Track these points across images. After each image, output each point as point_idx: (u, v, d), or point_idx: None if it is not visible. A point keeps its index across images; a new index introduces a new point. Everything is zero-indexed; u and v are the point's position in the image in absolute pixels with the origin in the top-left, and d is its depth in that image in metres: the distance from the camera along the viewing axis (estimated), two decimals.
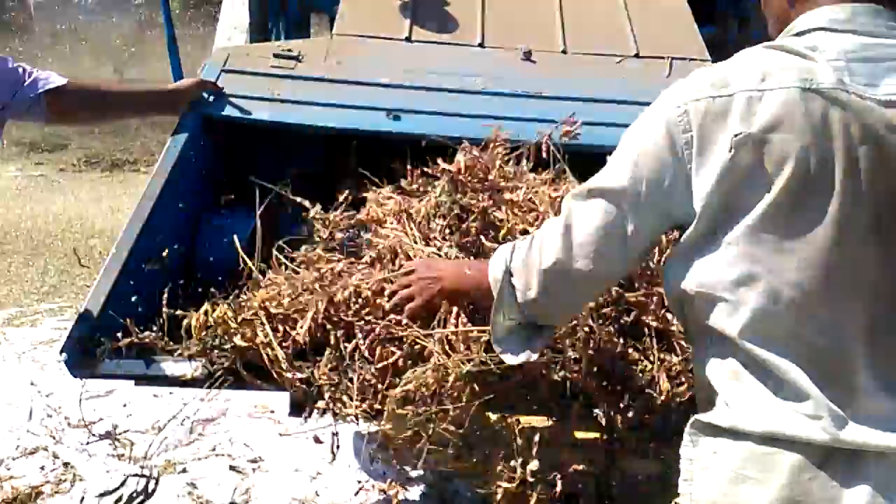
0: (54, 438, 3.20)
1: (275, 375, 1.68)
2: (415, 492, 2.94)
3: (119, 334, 1.69)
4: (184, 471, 3.02)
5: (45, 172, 8.43)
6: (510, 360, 1.45)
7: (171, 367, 1.69)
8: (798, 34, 1.21)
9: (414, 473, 3.05)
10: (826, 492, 1.10)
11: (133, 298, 1.83)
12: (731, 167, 1.13)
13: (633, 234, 1.26)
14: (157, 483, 2.87)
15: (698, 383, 1.29)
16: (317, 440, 2.79)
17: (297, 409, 2.49)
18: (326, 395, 1.67)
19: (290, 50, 2.48)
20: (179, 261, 2.12)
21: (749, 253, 1.14)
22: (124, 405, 3.47)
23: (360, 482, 2.99)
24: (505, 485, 1.69)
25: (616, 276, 1.49)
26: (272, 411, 3.46)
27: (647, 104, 2.39)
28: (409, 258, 1.79)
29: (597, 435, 1.98)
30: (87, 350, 1.68)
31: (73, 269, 5.45)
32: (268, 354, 1.66)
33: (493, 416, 1.77)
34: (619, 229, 1.26)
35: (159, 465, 3.04)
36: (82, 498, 2.81)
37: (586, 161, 2.51)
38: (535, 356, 1.45)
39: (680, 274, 1.23)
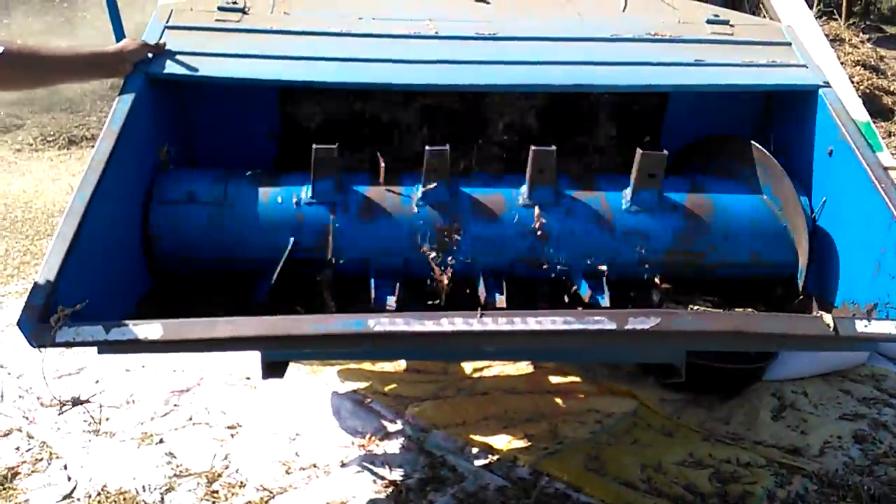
0: (28, 419, 3.15)
1: None
2: (395, 445, 2.95)
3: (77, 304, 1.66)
4: (161, 441, 2.99)
5: (2, 154, 8.22)
6: None
7: (131, 330, 1.64)
8: None
9: (392, 427, 3.07)
10: None
11: (89, 265, 1.78)
12: None
13: None
14: None
15: None
16: None
17: (271, 371, 2.49)
18: None
19: (234, 2, 2.40)
20: (134, 224, 2.07)
21: None
22: (97, 381, 3.43)
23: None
24: None
25: None
26: (248, 378, 3.44)
27: (603, 40, 2.39)
28: None
29: None
30: (45, 319, 1.64)
31: (36, 249, 5.35)
32: None
33: None
34: None
35: (136, 437, 3.02)
36: (68, 477, 2.77)
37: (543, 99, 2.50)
38: None
39: None
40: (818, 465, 2.84)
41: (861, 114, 2.81)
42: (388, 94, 2.44)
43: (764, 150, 2.22)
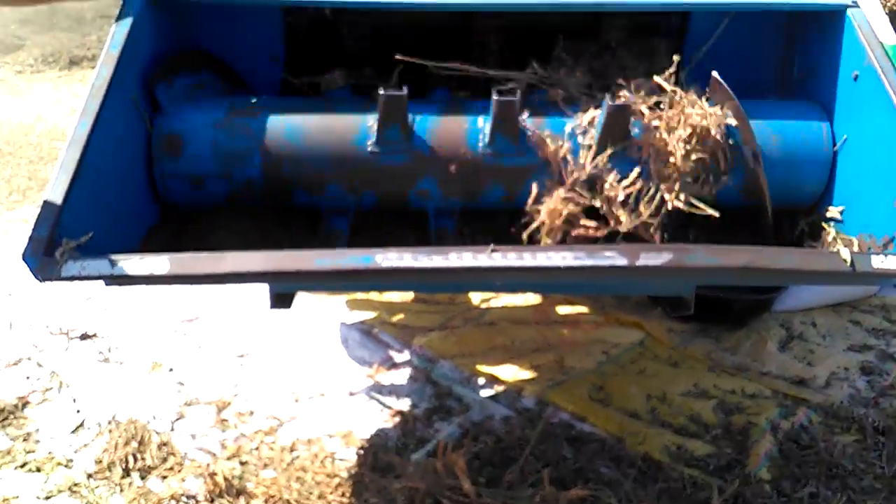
0: (37, 347, 3.18)
1: None
2: (402, 375, 2.98)
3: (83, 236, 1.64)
4: (170, 370, 3.02)
5: (3, 76, 8.08)
6: None
7: (138, 265, 1.62)
8: None
9: (399, 358, 3.08)
10: None
11: (93, 196, 1.75)
12: None
13: None
14: None
15: None
16: None
17: (279, 301, 2.48)
18: None
19: None
20: (138, 149, 2.02)
21: None
22: (105, 310, 3.44)
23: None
24: None
25: None
26: (255, 307, 3.45)
27: None
28: None
29: None
30: (50, 253, 1.62)
31: (41, 174, 5.31)
32: None
33: None
34: None
35: (146, 366, 3.04)
36: (77, 410, 2.80)
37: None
38: None
39: None
40: (823, 397, 2.85)
41: (889, 36, 2.69)
42: (395, 13, 2.34)
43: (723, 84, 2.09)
